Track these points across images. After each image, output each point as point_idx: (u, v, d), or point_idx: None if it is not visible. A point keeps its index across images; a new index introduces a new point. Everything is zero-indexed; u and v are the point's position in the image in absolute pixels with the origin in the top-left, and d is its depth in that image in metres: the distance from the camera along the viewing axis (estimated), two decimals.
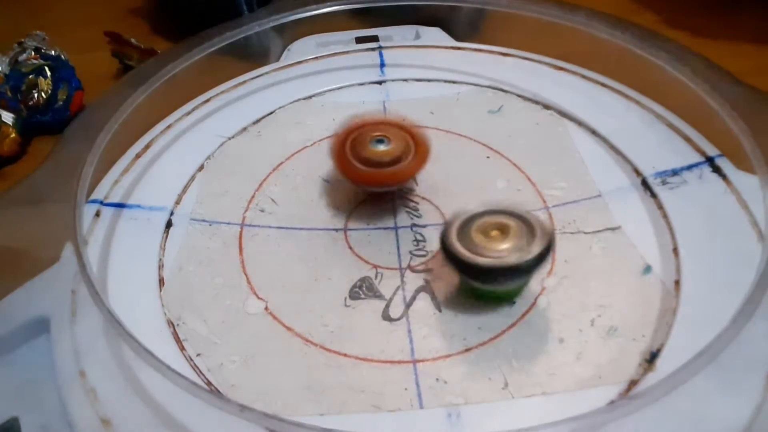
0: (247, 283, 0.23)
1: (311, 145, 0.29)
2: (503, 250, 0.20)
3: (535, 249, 0.20)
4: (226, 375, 0.20)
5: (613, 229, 0.24)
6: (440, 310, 0.22)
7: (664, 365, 0.19)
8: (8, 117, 0.33)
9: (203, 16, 0.37)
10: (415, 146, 0.24)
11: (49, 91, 0.35)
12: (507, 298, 0.22)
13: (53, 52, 0.36)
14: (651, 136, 0.27)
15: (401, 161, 0.24)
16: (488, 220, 0.21)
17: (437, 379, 0.20)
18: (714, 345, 0.17)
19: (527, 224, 0.21)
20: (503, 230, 0.21)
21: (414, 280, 0.23)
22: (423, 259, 0.24)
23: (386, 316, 0.22)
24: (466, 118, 0.30)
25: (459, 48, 0.34)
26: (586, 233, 0.24)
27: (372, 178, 0.24)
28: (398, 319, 0.22)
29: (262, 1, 0.40)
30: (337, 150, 0.25)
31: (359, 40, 0.35)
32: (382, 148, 0.24)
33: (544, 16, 0.30)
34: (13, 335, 0.21)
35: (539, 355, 0.20)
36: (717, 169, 0.25)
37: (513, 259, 0.20)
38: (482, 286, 0.21)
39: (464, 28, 0.36)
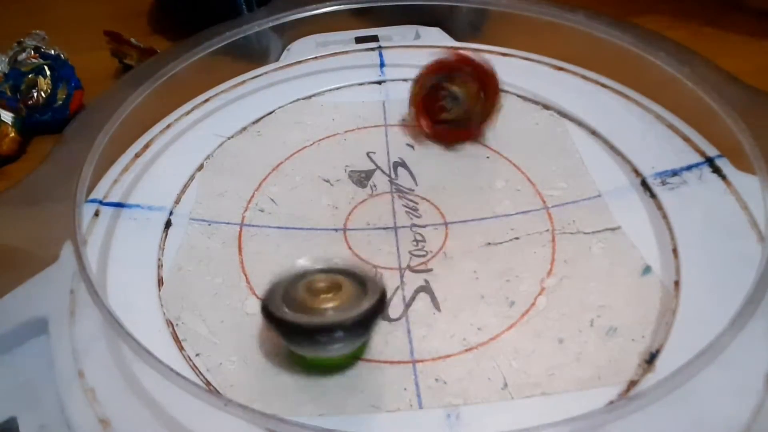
0: (246, 283, 0.23)
1: (311, 144, 0.29)
2: (328, 309, 0.18)
3: (362, 307, 0.18)
4: (225, 375, 0.20)
5: (612, 229, 0.24)
6: (440, 310, 0.22)
7: (664, 366, 0.19)
8: (8, 116, 0.33)
9: (203, 15, 0.37)
10: (485, 95, 0.27)
11: (49, 91, 0.34)
12: (338, 366, 0.20)
13: (53, 52, 0.36)
14: (651, 136, 0.27)
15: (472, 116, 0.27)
16: (319, 277, 0.19)
17: (436, 380, 0.20)
18: (713, 345, 0.17)
19: (359, 281, 0.19)
20: (333, 288, 0.19)
21: (413, 280, 0.23)
22: (422, 259, 0.24)
23: (385, 316, 0.22)
24: None
25: (459, 48, 0.34)
26: (585, 233, 0.24)
27: (447, 138, 0.28)
28: (397, 319, 0.22)
29: (261, 1, 0.40)
30: (416, 106, 0.28)
31: (359, 40, 0.35)
32: (454, 107, 0.27)
33: (544, 16, 0.30)
34: (11, 335, 0.21)
35: (538, 356, 0.20)
36: (717, 170, 0.25)
37: (335, 317, 0.18)
38: (303, 350, 0.19)
39: (464, 28, 0.36)
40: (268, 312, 0.19)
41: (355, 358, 0.20)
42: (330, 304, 0.19)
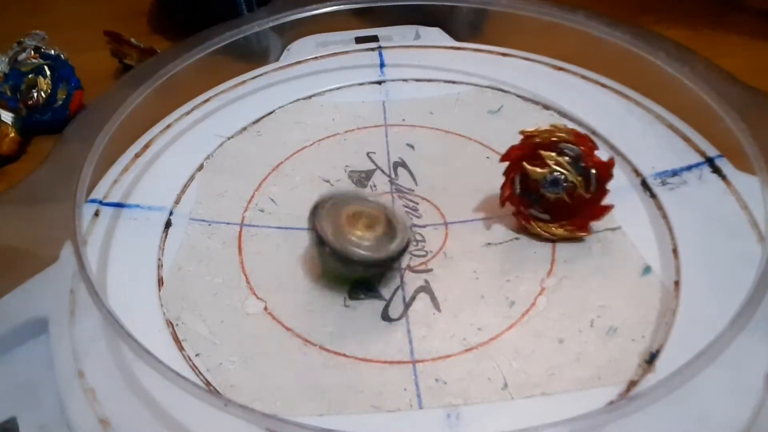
0: (246, 283, 0.23)
1: (311, 144, 0.29)
2: (360, 239, 0.22)
3: (387, 249, 0.22)
4: (225, 375, 0.20)
5: (613, 229, 0.24)
6: (440, 310, 0.22)
7: (664, 366, 0.19)
8: (8, 116, 0.33)
9: (203, 15, 0.37)
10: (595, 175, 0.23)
11: (49, 91, 0.35)
12: (360, 282, 0.23)
13: (53, 52, 0.36)
14: (651, 136, 0.27)
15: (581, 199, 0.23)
16: (362, 208, 0.22)
17: (436, 380, 0.20)
18: (713, 345, 0.17)
19: (392, 224, 0.22)
20: (371, 222, 0.22)
21: (413, 281, 0.23)
22: (422, 259, 0.24)
23: (386, 317, 0.22)
24: (466, 118, 0.30)
25: (459, 48, 0.34)
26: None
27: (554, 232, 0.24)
28: (398, 319, 0.22)
29: (261, 1, 0.40)
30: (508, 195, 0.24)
31: (359, 40, 0.36)
32: (556, 192, 0.23)
33: (544, 16, 0.30)
34: (11, 335, 0.21)
35: (539, 356, 0.20)
36: (717, 170, 0.25)
37: (353, 247, 0.22)
38: (333, 263, 0.22)
39: (464, 28, 0.36)
40: (313, 214, 0.22)
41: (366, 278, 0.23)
42: (358, 234, 0.22)
